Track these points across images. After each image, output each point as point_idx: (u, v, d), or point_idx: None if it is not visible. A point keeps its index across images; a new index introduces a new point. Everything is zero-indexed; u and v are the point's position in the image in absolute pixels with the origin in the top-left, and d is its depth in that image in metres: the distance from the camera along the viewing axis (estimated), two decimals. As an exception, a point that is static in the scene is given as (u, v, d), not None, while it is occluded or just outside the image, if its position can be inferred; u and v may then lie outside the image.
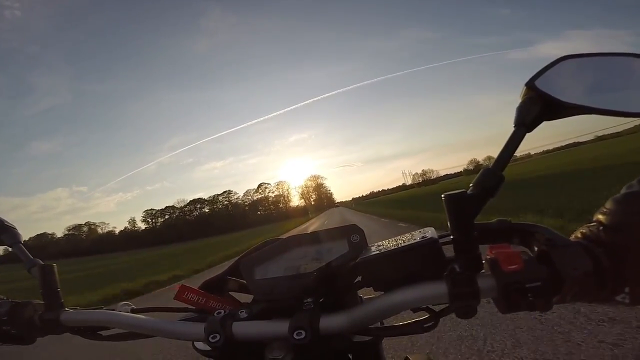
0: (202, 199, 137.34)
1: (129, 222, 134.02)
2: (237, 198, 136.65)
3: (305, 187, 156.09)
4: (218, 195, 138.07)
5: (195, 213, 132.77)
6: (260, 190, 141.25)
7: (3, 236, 0.51)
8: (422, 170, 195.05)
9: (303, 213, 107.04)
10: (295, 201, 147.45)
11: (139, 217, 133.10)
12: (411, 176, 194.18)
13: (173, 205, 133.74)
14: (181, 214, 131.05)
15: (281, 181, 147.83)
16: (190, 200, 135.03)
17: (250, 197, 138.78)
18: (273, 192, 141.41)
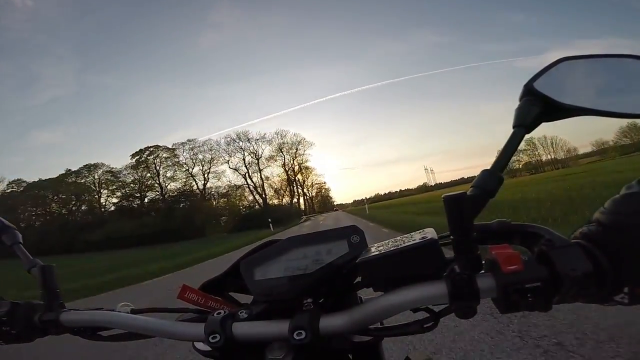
0: (21, 182, 48.63)
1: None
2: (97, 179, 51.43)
3: (260, 162, 61.97)
4: (65, 175, 50.14)
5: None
6: (142, 167, 52.14)
7: (3, 237, 0.51)
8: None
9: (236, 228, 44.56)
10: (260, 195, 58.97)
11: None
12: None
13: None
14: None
15: (194, 141, 56.02)
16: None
17: (121, 179, 51.76)
18: (182, 167, 54.07)
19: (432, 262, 0.33)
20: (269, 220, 28.74)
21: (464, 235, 0.32)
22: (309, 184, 77.27)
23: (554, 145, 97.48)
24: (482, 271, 0.32)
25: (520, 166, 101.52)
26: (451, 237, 0.33)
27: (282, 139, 65.41)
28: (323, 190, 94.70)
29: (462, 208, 0.32)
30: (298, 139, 66.88)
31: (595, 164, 54.98)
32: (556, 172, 60.99)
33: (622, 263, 0.29)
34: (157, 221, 45.01)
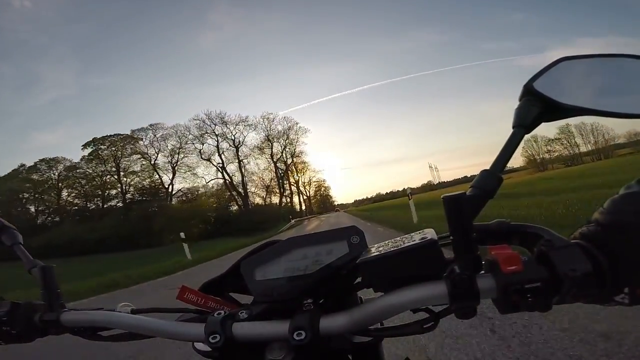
0: None
1: None
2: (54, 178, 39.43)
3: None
4: (18, 171, 38.26)
5: None
6: (95, 161, 39.99)
7: (3, 237, 0.51)
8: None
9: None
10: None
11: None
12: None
13: None
14: None
15: (157, 126, 43.20)
16: None
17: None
18: (144, 157, 42.43)
19: (432, 263, 0.33)
20: (182, 235, 13.02)
21: (464, 236, 0.32)
22: (306, 180, 64.51)
23: (594, 133, 78.49)
24: (482, 271, 0.32)
25: (553, 157, 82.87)
26: (451, 237, 0.33)
27: (269, 123, 51.36)
28: (323, 189, 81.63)
29: (462, 208, 0.32)
30: (289, 124, 53.20)
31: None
32: (599, 163, 49.50)
33: (622, 263, 0.29)
34: (111, 224, 35.56)
